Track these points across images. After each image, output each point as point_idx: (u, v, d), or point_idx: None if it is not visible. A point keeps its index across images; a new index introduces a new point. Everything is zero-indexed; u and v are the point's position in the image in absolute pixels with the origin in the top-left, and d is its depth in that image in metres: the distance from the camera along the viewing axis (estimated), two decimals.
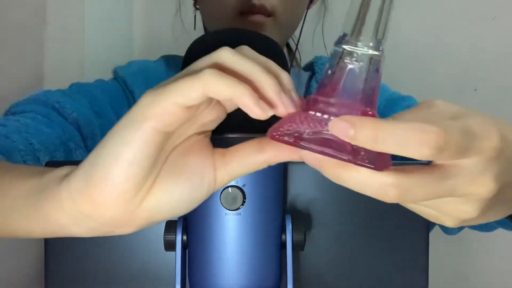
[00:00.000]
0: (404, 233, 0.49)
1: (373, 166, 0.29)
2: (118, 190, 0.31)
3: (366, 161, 0.29)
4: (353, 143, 0.29)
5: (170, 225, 0.43)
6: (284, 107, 0.32)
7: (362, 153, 0.30)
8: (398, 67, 1.19)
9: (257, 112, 0.31)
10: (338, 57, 0.31)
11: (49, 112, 0.63)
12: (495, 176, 0.30)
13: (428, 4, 1.19)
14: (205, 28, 0.81)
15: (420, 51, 1.19)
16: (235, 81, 0.30)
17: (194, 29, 0.82)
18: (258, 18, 0.68)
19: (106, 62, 1.14)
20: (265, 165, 0.35)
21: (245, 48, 0.33)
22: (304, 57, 0.92)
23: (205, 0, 0.75)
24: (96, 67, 1.12)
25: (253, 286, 0.42)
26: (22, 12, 0.92)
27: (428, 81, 1.20)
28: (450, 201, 0.31)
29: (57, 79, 0.98)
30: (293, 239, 0.43)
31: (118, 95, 0.76)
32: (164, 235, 0.43)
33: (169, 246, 0.43)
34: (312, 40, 0.90)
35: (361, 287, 0.49)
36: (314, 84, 0.83)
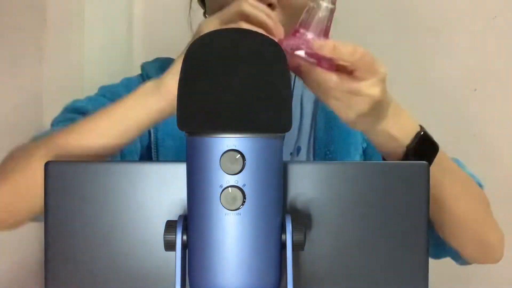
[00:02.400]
0: (404, 233, 0.49)
1: (330, 68, 0.58)
2: None
3: (326, 66, 0.59)
4: (321, 53, 0.57)
5: (170, 225, 0.43)
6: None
7: (322, 64, 0.59)
8: (398, 67, 1.19)
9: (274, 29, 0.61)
10: (311, 9, 0.60)
11: (76, 117, 0.72)
12: (381, 89, 0.58)
13: (428, 4, 1.19)
14: None
15: (420, 51, 1.19)
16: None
17: None
18: None
19: (106, 62, 1.15)
20: None
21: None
22: None
23: (211, 13, 0.76)
24: (96, 67, 1.12)
25: (253, 286, 0.42)
26: (22, 12, 0.92)
27: (428, 81, 1.20)
28: (354, 98, 0.58)
29: (57, 79, 0.98)
30: (293, 239, 0.43)
31: (137, 83, 0.80)
32: (164, 235, 0.43)
33: (169, 246, 0.43)
34: None
35: (361, 287, 0.49)
36: None
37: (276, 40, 0.54)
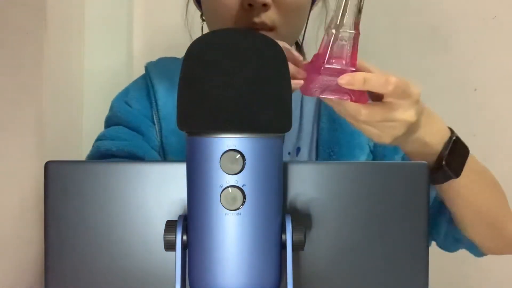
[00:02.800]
0: (404, 233, 0.49)
1: (361, 102, 0.55)
2: None
3: (354, 99, 0.55)
4: (351, 87, 0.54)
5: (170, 225, 0.43)
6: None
7: (352, 95, 0.55)
8: (398, 66, 1.19)
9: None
10: (331, 36, 0.54)
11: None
12: (415, 111, 0.56)
13: (428, 3, 1.19)
14: None
15: (421, 51, 1.19)
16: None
17: None
18: None
19: (106, 62, 1.15)
20: None
21: None
22: (308, 58, 0.92)
23: (209, 17, 0.76)
24: (96, 67, 1.12)
25: (253, 286, 0.42)
26: (22, 12, 0.92)
27: (428, 81, 1.20)
28: (389, 124, 0.56)
29: (56, 79, 0.98)
30: (293, 239, 0.43)
31: (141, 82, 0.84)
32: (164, 235, 0.43)
33: (169, 246, 0.43)
34: (316, 43, 0.90)
35: (361, 287, 0.49)
36: None
37: (301, 83, 0.56)
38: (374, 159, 0.81)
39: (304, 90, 0.57)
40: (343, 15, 0.53)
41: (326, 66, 0.54)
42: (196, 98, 0.41)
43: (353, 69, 0.55)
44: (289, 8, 0.70)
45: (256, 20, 0.69)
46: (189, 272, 0.43)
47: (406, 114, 0.56)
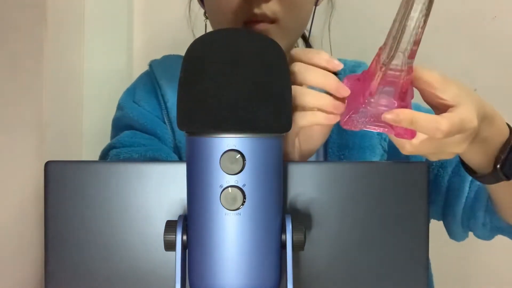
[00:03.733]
0: (404, 233, 0.49)
1: (407, 137, 0.49)
2: None
3: (403, 134, 0.49)
4: (399, 125, 0.48)
5: (170, 225, 0.43)
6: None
7: (399, 130, 0.49)
8: None
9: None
10: (380, 69, 0.47)
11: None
12: (468, 142, 0.51)
13: None
14: None
15: (420, 51, 1.19)
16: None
17: None
18: (262, 26, 0.68)
19: (106, 62, 1.15)
20: None
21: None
22: None
23: (211, 11, 0.75)
24: (96, 67, 1.12)
25: (253, 286, 0.42)
26: (22, 12, 0.92)
27: None
28: (445, 151, 0.52)
29: (56, 79, 0.98)
30: (293, 239, 0.43)
31: (148, 82, 0.82)
32: (164, 235, 0.43)
33: (169, 246, 0.43)
34: (321, 39, 0.90)
35: (361, 287, 0.49)
36: None
37: (337, 120, 0.51)
38: (389, 159, 0.78)
39: (343, 122, 0.51)
40: (399, 42, 0.46)
41: (372, 101, 0.48)
42: (196, 98, 0.41)
43: (404, 104, 0.49)
44: (291, 1, 0.69)
45: (257, 11, 0.67)
46: (189, 272, 0.43)
47: (458, 148, 0.51)
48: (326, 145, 0.78)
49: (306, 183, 0.48)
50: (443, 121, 0.47)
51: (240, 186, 0.41)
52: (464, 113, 0.49)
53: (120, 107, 0.80)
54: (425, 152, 0.51)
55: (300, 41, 0.90)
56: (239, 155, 0.40)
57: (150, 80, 0.82)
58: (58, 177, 0.48)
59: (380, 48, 0.48)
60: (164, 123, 0.78)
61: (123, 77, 1.13)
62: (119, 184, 0.48)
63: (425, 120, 0.47)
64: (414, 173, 0.49)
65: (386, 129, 0.49)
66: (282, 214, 0.44)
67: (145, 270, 0.48)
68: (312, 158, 0.79)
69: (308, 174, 0.48)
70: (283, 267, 0.44)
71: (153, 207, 0.48)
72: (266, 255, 0.42)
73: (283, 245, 0.43)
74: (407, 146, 0.50)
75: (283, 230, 0.43)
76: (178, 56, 0.85)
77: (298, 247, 0.43)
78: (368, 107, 0.49)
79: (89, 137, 1.08)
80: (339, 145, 0.77)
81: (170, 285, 0.46)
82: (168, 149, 0.75)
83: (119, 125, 0.79)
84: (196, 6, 0.86)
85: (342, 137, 0.77)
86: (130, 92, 0.82)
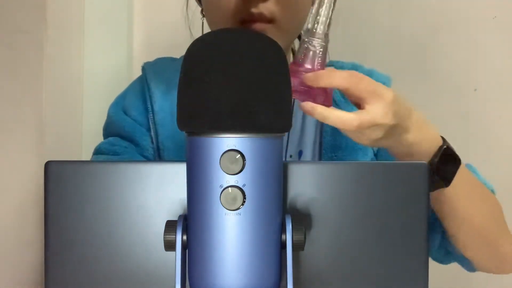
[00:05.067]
0: (404, 233, 0.49)
1: (327, 104, 0.58)
2: None
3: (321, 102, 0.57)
4: (316, 85, 0.57)
5: (170, 225, 0.43)
6: None
7: (318, 99, 0.58)
8: (398, 66, 1.19)
9: None
10: (306, 44, 0.60)
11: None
12: (392, 113, 0.56)
13: (428, 4, 1.19)
14: None
15: (420, 51, 1.19)
16: None
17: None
18: (259, 26, 0.68)
19: (106, 62, 1.14)
20: None
21: None
22: None
23: (208, 10, 0.75)
24: (96, 67, 1.12)
25: (253, 286, 0.42)
26: (22, 12, 0.92)
27: (428, 81, 1.20)
28: (370, 129, 0.56)
29: (56, 79, 0.98)
30: (293, 239, 0.43)
31: (138, 86, 0.84)
32: (164, 235, 0.43)
33: (169, 246, 0.43)
34: None
35: (361, 287, 0.49)
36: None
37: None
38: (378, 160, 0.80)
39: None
40: (318, 24, 0.59)
41: (300, 69, 0.59)
42: (196, 98, 0.41)
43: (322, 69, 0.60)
44: (288, 1, 0.69)
45: (254, 10, 0.67)
46: (189, 272, 0.43)
47: (384, 118, 0.56)
48: (320, 146, 0.80)
49: (306, 183, 0.48)
50: (354, 120, 0.55)
51: (240, 186, 0.41)
52: (376, 111, 0.56)
53: (108, 114, 0.84)
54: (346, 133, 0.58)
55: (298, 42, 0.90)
56: (239, 155, 0.40)
57: (141, 84, 0.84)
58: (58, 177, 0.48)
59: (305, 31, 0.61)
60: (148, 129, 0.79)
61: (123, 77, 1.13)
62: (119, 184, 0.48)
63: (340, 72, 0.57)
64: (414, 173, 0.49)
65: (310, 99, 0.58)
66: (282, 214, 0.44)
67: (145, 270, 0.48)
68: (307, 158, 0.80)
69: (308, 174, 0.48)
70: (283, 267, 0.44)
71: (153, 207, 0.48)
72: (266, 255, 0.42)
73: (283, 245, 0.43)
74: (354, 124, 0.55)
75: (283, 230, 0.43)
76: (171, 59, 0.86)
77: (298, 247, 0.43)
78: (296, 78, 0.58)
79: (89, 137, 1.08)
80: (333, 146, 0.79)
81: (170, 285, 0.46)
82: (140, 157, 0.77)
83: (106, 131, 0.82)
84: (194, 4, 0.85)
85: (335, 138, 0.79)
86: (121, 98, 0.84)
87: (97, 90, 1.11)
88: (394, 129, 0.58)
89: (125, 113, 0.81)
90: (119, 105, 0.83)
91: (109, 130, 0.81)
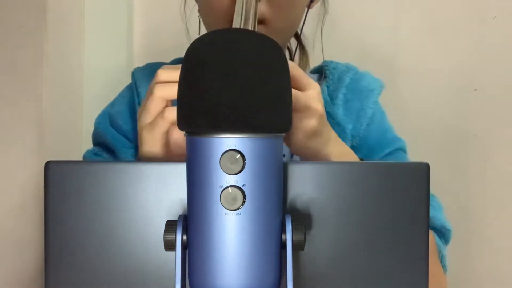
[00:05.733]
0: (404, 233, 0.49)
1: None
2: None
3: None
4: None
5: (170, 225, 0.43)
6: None
7: None
8: (398, 66, 1.19)
9: None
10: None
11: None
12: (322, 106, 0.58)
13: (428, 4, 1.19)
14: None
15: (420, 51, 1.19)
16: None
17: (199, 35, 0.83)
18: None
19: (106, 62, 1.14)
20: None
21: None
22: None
23: (202, 10, 0.76)
24: (96, 67, 1.12)
25: (253, 286, 0.42)
26: (22, 12, 0.92)
27: (428, 81, 1.20)
28: (302, 118, 0.57)
29: (56, 79, 0.98)
30: (293, 239, 0.43)
31: (127, 93, 0.85)
32: (164, 235, 0.43)
33: (169, 246, 0.43)
34: (313, 42, 0.90)
35: (361, 287, 0.49)
36: (325, 89, 0.82)
37: None
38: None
39: None
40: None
41: None
42: (196, 98, 0.41)
43: None
44: (281, 0, 0.69)
45: None
46: (189, 272, 0.43)
47: (319, 105, 0.58)
48: None
49: (306, 183, 0.48)
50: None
51: (240, 186, 0.41)
52: (312, 95, 0.58)
53: (94, 123, 0.85)
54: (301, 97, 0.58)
55: (296, 42, 0.90)
56: (239, 155, 0.40)
57: (129, 91, 0.84)
58: (58, 177, 0.48)
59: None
60: (134, 138, 0.80)
61: (123, 77, 1.13)
62: (119, 184, 0.48)
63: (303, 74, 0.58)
64: (414, 173, 0.49)
65: None
66: (282, 214, 0.44)
67: (145, 270, 0.48)
68: (297, 158, 0.80)
69: (308, 174, 0.48)
70: (283, 267, 0.44)
71: (153, 207, 0.48)
72: (266, 255, 0.42)
73: (283, 245, 0.43)
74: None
75: (283, 230, 0.43)
76: (161, 63, 0.86)
77: (298, 247, 0.43)
78: None
79: (89, 137, 1.08)
80: None
81: (170, 285, 0.46)
82: None
83: (93, 140, 0.84)
84: (192, 2, 0.86)
85: None
86: (107, 108, 0.85)
87: (97, 90, 1.11)
88: (323, 124, 0.59)
89: (112, 122, 0.82)
90: (106, 115, 0.84)
91: (94, 139, 0.83)
